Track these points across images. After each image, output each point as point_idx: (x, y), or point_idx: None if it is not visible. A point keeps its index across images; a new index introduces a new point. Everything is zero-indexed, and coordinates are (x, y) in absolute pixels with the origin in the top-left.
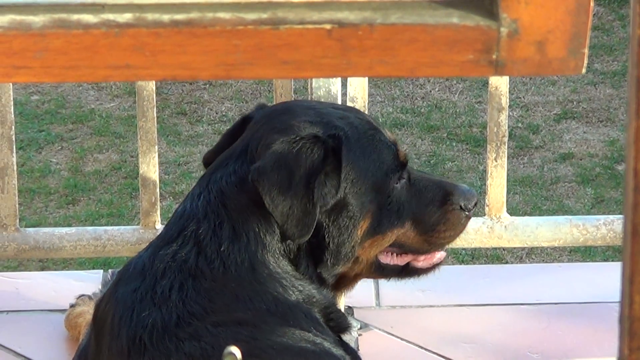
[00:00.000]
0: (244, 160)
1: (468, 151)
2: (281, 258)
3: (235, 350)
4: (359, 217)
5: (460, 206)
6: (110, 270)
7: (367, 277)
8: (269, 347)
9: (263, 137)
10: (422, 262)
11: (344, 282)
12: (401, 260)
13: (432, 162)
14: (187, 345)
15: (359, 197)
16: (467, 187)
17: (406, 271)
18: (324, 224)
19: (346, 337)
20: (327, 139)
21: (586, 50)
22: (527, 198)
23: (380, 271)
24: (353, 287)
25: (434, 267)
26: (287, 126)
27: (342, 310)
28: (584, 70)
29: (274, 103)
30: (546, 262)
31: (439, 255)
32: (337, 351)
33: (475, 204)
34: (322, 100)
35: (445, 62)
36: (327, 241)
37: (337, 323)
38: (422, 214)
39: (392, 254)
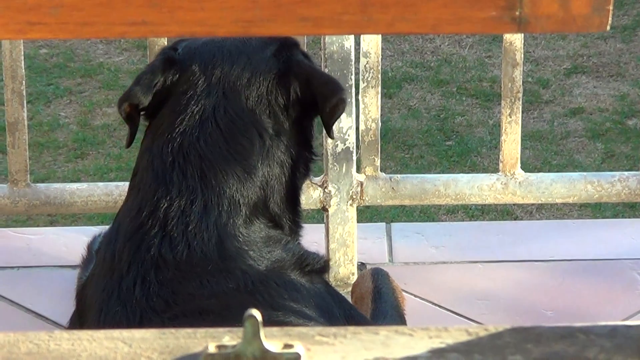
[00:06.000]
0: (218, 104)
1: (478, 105)
2: (255, 218)
3: (255, 312)
4: None
5: None
6: (95, 235)
7: None
8: None
9: (233, 73)
10: None
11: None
12: None
13: (441, 116)
14: None
15: None
16: None
17: None
18: None
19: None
20: None
21: (611, 7)
22: (537, 153)
23: None
24: None
25: None
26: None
27: (355, 265)
28: (608, 28)
29: None
30: (556, 216)
31: None
32: (313, 313)
33: None
34: (335, 55)
35: (467, 18)
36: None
37: (313, 267)
38: None
39: None
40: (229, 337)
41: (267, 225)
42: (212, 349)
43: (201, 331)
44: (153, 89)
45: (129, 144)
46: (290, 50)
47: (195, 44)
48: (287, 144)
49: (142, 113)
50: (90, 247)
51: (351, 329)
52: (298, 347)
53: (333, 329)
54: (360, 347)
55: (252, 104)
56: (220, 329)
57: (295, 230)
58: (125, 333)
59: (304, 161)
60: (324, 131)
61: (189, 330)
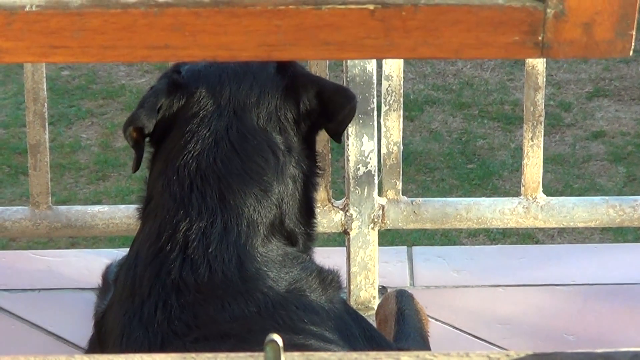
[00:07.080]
0: (230, 124)
1: (500, 129)
2: (272, 236)
3: (276, 337)
4: None
5: None
6: (108, 265)
7: None
8: None
9: (242, 92)
10: None
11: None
12: None
13: (463, 139)
14: None
15: None
16: None
17: None
18: None
19: None
20: None
21: (634, 33)
22: (558, 176)
23: None
24: None
25: None
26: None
27: (376, 288)
28: (631, 53)
29: None
30: (578, 240)
31: None
32: (333, 336)
33: None
34: (357, 78)
35: (490, 43)
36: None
37: (332, 280)
38: None
39: None
40: None
41: (284, 243)
42: None
43: (222, 356)
44: (157, 113)
45: (136, 169)
46: (291, 63)
47: (198, 66)
48: (297, 159)
49: (147, 139)
50: (105, 277)
51: (372, 354)
52: None
53: (354, 355)
54: None
55: (263, 122)
56: (241, 354)
57: (308, 245)
58: (147, 357)
59: (313, 174)
60: (346, 153)
61: (210, 355)
